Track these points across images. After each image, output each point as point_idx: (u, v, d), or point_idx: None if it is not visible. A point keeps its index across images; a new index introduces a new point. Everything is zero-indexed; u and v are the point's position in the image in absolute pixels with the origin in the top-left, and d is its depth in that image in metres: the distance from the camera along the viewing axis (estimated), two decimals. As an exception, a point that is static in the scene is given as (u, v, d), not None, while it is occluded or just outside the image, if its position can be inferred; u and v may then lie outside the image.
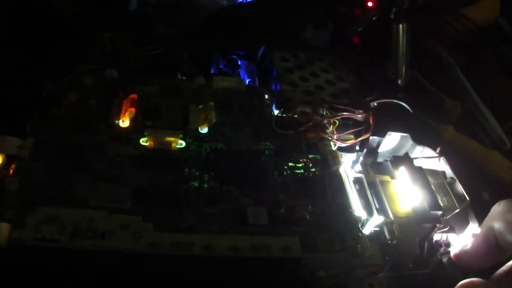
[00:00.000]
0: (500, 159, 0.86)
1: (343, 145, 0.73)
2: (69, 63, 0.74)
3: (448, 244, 0.69)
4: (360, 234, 0.62)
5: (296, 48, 0.88)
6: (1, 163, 0.63)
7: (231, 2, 1.02)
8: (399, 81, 0.90)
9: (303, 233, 0.61)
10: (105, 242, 0.56)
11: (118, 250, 0.55)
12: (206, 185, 0.64)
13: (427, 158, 0.76)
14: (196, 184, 0.63)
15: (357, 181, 0.71)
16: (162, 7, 0.99)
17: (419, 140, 0.77)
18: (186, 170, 0.65)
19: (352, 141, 0.74)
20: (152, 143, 0.66)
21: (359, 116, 0.75)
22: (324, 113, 0.72)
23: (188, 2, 0.98)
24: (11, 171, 0.61)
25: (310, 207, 0.63)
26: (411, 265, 0.67)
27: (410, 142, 0.80)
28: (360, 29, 1.04)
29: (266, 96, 0.76)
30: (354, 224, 0.64)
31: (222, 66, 0.92)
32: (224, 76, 0.80)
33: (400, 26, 0.89)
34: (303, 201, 0.64)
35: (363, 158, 0.76)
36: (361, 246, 0.61)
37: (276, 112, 0.77)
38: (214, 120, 0.69)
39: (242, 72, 0.92)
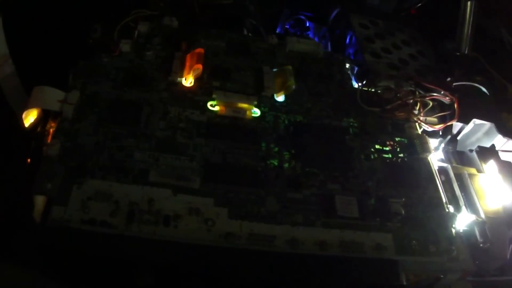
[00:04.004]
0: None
1: (430, 129, 0.59)
2: (123, 7, 0.57)
3: (534, 249, 0.57)
4: (454, 235, 0.50)
5: (373, 14, 0.72)
6: (38, 119, 0.47)
7: None
8: (467, 51, 0.75)
9: (396, 229, 0.48)
10: (170, 230, 0.41)
11: (186, 241, 0.41)
12: (287, 165, 0.49)
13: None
14: (275, 163, 0.49)
15: (441, 171, 0.58)
16: None
17: (504, 130, 0.63)
18: (263, 144, 0.50)
19: (441, 126, 0.59)
20: (223, 109, 0.50)
21: (447, 98, 0.60)
22: (416, 92, 0.57)
23: None
24: (51, 130, 0.45)
25: (403, 199, 0.50)
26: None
27: (483, 131, 0.66)
28: (420, 4, 0.87)
29: (347, 65, 0.61)
30: (448, 222, 0.51)
31: (288, 26, 0.75)
32: (300, 38, 0.63)
33: (469, 3, 0.74)
34: (394, 192, 0.50)
35: (445, 146, 0.62)
36: (456, 249, 0.49)
37: (356, 84, 0.61)
38: (294, 87, 0.54)
39: (311, 35, 0.76)
